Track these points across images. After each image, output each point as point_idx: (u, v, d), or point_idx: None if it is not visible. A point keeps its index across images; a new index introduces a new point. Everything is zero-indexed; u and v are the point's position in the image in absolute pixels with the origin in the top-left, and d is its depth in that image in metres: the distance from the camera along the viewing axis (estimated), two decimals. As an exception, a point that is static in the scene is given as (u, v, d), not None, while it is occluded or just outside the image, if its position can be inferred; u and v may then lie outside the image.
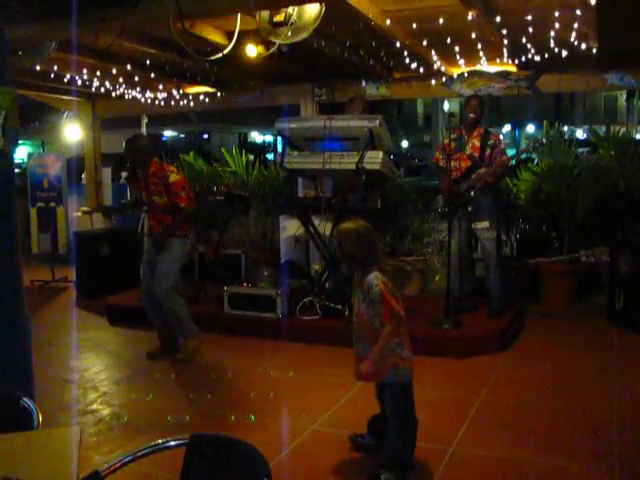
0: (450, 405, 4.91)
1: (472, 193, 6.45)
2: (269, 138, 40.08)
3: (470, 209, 6.49)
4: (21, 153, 26.75)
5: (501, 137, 7.00)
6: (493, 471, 3.87)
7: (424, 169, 33.75)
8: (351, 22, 5.77)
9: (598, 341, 6.43)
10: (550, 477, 3.79)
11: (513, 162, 7.27)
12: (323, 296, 6.82)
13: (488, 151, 6.52)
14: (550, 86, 7.95)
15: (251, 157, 10.28)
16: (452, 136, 6.55)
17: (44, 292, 9.41)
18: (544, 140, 7.86)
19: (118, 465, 2.29)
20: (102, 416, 4.83)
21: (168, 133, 36.28)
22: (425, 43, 6.85)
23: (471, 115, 6.66)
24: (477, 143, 6.59)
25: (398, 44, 6.55)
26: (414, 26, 6.16)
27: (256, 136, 40.98)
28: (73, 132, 11.33)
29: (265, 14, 5.34)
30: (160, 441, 2.33)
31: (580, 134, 32.06)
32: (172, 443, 2.32)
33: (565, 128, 15.92)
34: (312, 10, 5.17)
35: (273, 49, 5.89)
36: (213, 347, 6.39)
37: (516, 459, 3.98)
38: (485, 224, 6.57)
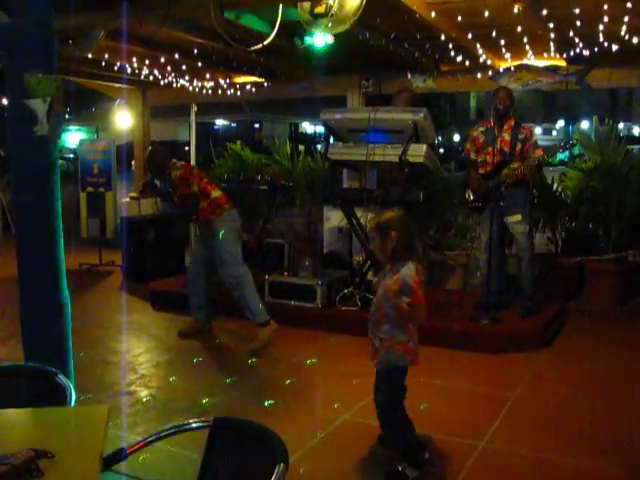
0: (484, 400, 4.90)
1: (502, 189, 6.21)
2: (320, 129, 40.09)
3: (502, 204, 6.25)
4: (75, 139, 27.34)
5: (535, 130, 6.77)
6: (522, 469, 3.85)
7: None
8: (395, 14, 5.75)
9: (641, 343, 6.30)
10: (580, 479, 3.75)
11: (558, 157, 7.11)
12: (363, 287, 6.82)
13: (519, 146, 6.30)
14: (600, 81, 7.80)
15: (301, 147, 10.30)
16: (481, 129, 6.54)
17: (91, 275, 9.62)
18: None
19: (142, 444, 2.37)
20: (139, 397, 4.95)
21: (220, 122, 36.64)
22: (470, 36, 6.78)
23: (500, 107, 6.40)
24: (507, 137, 6.36)
25: (443, 37, 6.51)
26: (459, 19, 6.12)
27: (307, 126, 41.04)
28: (124, 119, 11.53)
29: (306, 5, 5.36)
30: (182, 423, 2.40)
31: (637, 131, 31.35)
32: (194, 425, 2.39)
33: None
34: (353, 2, 5.14)
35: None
36: (252, 335, 6.46)
37: (546, 458, 3.94)
38: (517, 217, 6.37)
